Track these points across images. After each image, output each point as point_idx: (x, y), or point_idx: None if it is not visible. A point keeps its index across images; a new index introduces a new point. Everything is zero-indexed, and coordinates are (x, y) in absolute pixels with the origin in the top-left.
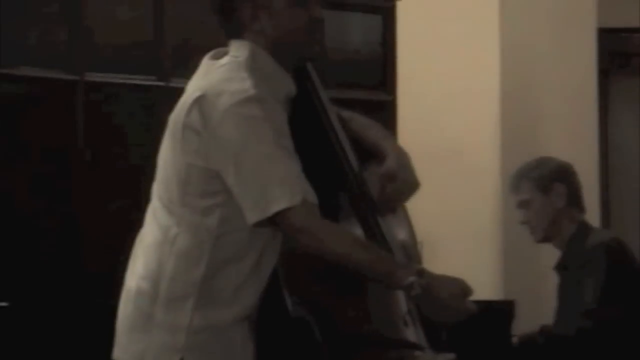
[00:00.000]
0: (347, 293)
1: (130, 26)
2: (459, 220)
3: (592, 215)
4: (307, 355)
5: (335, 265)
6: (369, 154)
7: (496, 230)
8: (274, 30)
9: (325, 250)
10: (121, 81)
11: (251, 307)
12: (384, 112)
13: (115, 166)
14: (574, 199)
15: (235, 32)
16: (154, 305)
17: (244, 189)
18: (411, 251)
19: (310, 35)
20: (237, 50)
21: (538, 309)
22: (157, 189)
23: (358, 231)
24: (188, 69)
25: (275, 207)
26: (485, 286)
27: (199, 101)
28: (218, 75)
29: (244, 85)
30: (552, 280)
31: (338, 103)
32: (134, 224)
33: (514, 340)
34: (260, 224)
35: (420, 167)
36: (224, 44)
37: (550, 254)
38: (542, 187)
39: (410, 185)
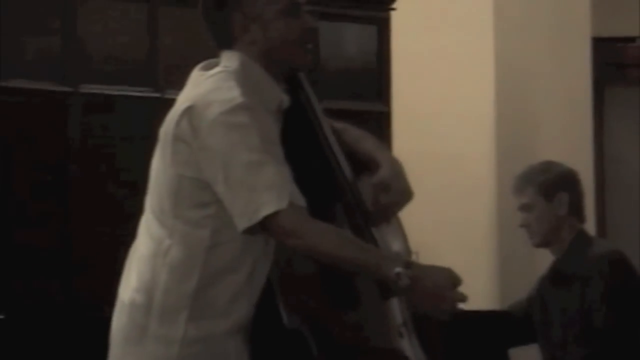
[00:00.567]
0: (341, 305)
1: (125, 38)
2: (454, 230)
3: (588, 224)
4: None
5: (331, 277)
6: (363, 165)
7: (492, 240)
8: (265, 42)
9: (314, 250)
10: (116, 93)
11: (245, 318)
12: (379, 122)
13: (110, 177)
14: (576, 208)
15: (226, 42)
16: (148, 317)
17: (232, 197)
18: None
19: (302, 46)
20: (228, 61)
21: None
22: (150, 201)
23: None
24: (183, 80)
25: (264, 212)
26: (481, 295)
27: (188, 112)
28: (207, 85)
29: (232, 94)
30: None
31: (333, 114)
32: (129, 232)
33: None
34: (250, 231)
35: (416, 177)
36: (219, 55)
37: (547, 263)
38: (546, 193)
39: (404, 194)
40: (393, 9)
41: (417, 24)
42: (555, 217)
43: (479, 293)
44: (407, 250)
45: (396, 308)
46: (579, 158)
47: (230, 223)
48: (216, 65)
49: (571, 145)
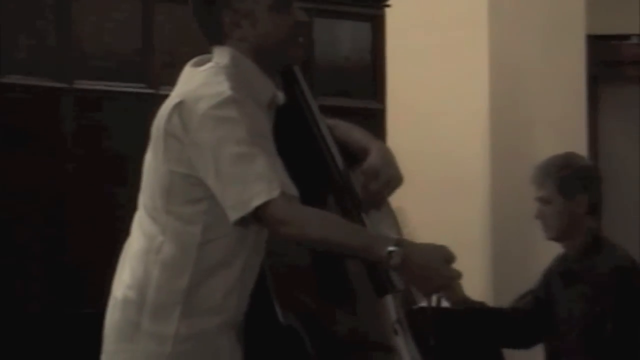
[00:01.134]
0: (336, 302)
1: (120, 34)
2: (448, 228)
3: None
4: None
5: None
6: (355, 158)
7: (486, 238)
8: (256, 38)
9: (306, 236)
10: (110, 89)
11: (238, 314)
12: (374, 120)
13: (104, 173)
14: (594, 208)
15: (217, 39)
16: (141, 313)
17: (223, 189)
18: None
19: (293, 40)
20: (219, 57)
21: None
22: (143, 197)
23: None
24: (177, 76)
25: (255, 202)
26: (474, 293)
27: (179, 107)
28: (197, 81)
29: (221, 87)
30: None
31: (328, 111)
32: (123, 229)
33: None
34: (242, 222)
35: (410, 174)
36: (211, 51)
37: (541, 261)
38: (566, 191)
39: (394, 180)
40: (388, 6)
41: (412, 21)
42: (572, 215)
43: (473, 290)
44: None
45: (391, 305)
46: None
47: (223, 219)
48: (208, 61)
49: (566, 142)
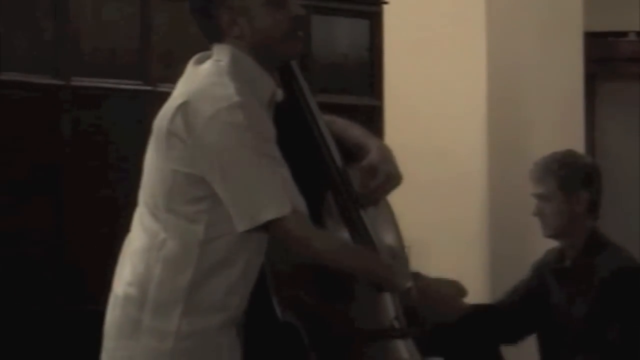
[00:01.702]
0: (334, 298)
1: (117, 31)
2: (446, 225)
3: None
4: None
5: (324, 271)
6: (352, 155)
7: (483, 235)
8: (254, 35)
9: (320, 258)
10: (108, 86)
11: (239, 311)
12: (371, 117)
13: (102, 171)
14: (594, 206)
15: (215, 37)
16: (142, 310)
17: (231, 198)
18: (399, 255)
19: (292, 35)
20: (219, 55)
21: None
22: (143, 195)
23: (342, 229)
24: (175, 73)
25: (265, 216)
26: (472, 291)
27: (183, 108)
28: (201, 80)
29: (228, 91)
30: None
31: (325, 108)
32: (123, 226)
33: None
34: (249, 230)
35: (408, 172)
36: (211, 48)
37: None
38: (567, 189)
39: (392, 178)
40: (385, 3)
41: (409, 18)
42: (572, 213)
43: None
44: (401, 244)
45: (389, 301)
46: None
47: (225, 218)
48: (209, 58)
49: (563, 140)
